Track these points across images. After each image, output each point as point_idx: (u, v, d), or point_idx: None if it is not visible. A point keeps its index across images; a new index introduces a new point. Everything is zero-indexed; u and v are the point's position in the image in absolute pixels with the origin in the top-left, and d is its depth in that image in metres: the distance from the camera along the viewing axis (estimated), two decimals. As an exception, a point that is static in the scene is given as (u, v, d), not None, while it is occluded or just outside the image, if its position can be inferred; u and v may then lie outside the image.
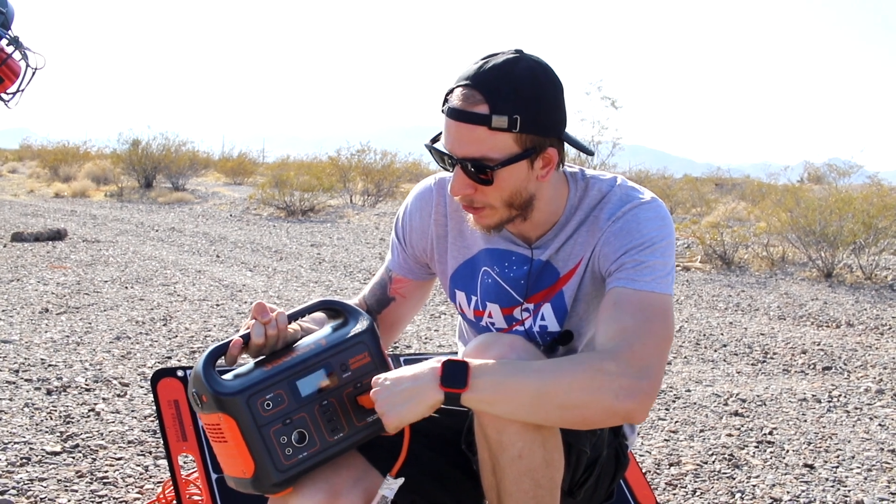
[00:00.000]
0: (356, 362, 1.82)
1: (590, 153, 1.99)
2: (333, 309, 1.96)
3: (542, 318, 1.99)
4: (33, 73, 2.23)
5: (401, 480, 1.79)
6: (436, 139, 1.86)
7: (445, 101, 1.80)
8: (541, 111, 1.77)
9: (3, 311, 6.15)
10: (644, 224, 1.86)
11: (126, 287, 7.47)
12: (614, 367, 1.69)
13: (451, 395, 1.68)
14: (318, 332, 1.91)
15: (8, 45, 2.16)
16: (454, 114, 1.77)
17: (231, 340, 1.83)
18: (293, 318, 1.90)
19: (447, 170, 1.87)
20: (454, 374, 1.69)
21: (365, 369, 1.83)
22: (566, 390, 1.67)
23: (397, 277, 2.17)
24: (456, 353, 2.62)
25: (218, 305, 6.74)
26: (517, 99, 1.74)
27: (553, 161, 1.84)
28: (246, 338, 1.83)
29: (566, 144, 1.86)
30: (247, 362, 1.84)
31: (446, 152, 1.81)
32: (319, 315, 2.00)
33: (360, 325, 1.88)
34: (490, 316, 2.04)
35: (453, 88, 1.78)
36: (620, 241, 1.86)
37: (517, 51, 1.80)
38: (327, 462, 1.78)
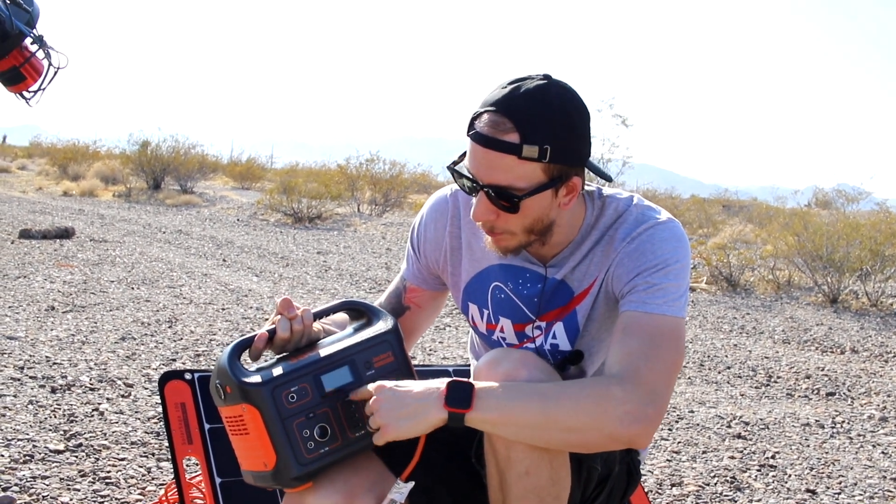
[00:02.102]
0: (380, 361, 1.83)
1: (609, 179, 1.96)
2: (357, 309, 1.98)
3: (554, 337, 1.99)
4: (55, 73, 2.25)
5: (411, 485, 1.79)
6: (457, 161, 1.83)
7: (472, 125, 1.77)
8: (570, 141, 1.74)
9: (10, 307, 6.17)
10: (659, 245, 1.85)
11: (132, 288, 7.48)
12: (620, 392, 1.68)
13: (454, 416, 1.68)
14: (342, 331, 1.92)
15: (32, 43, 2.18)
16: (483, 140, 1.73)
17: (256, 334, 1.84)
18: (317, 316, 1.91)
19: (468, 193, 1.85)
20: (459, 395, 1.68)
21: (388, 368, 1.84)
22: (570, 415, 1.67)
23: (412, 287, 2.17)
24: (467, 366, 2.63)
25: (223, 309, 6.75)
26: (548, 129, 1.71)
27: (577, 190, 1.82)
28: (271, 332, 1.84)
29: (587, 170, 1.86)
30: (270, 358, 1.85)
31: (469, 176, 1.79)
32: (341, 317, 2.01)
33: (385, 325, 1.89)
34: (502, 330, 2.04)
35: (481, 113, 1.75)
36: (634, 262, 1.85)
37: (545, 76, 1.77)
38: (347, 459, 1.78)
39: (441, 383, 1.70)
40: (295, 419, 1.73)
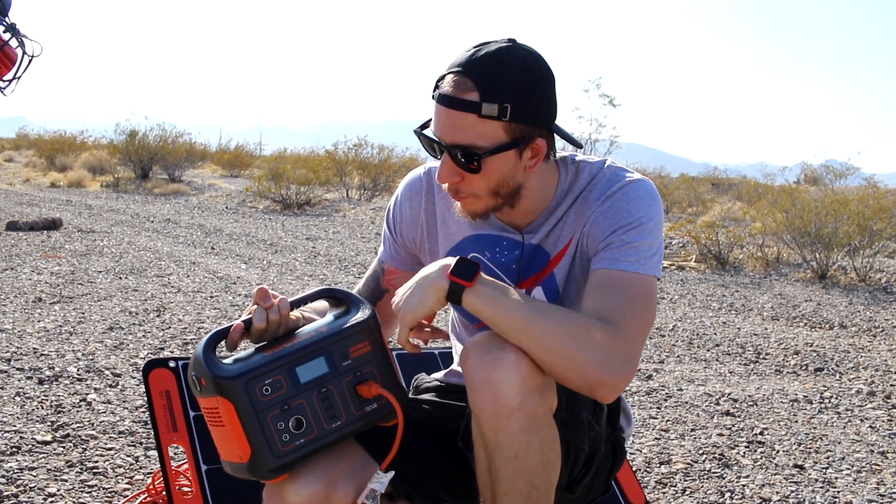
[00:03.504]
0: (356, 351, 1.81)
1: (578, 146, 1.98)
2: (335, 297, 1.96)
3: None
4: (30, 61, 2.23)
5: (391, 474, 1.79)
6: (425, 125, 1.86)
7: (436, 87, 1.80)
8: (532, 101, 1.77)
9: (-3, 299, 6.15)
10: (633, 203, 1.86)
11: (120, 278, 7.46)
12: (601, 335, 1.68)
13: (454, 287, 1.72)
14: (321, 320, 1.90)
15: (4, 31, 2.16)
16: (444, 100, 1.77)
17: (233, 325, 1.83)
18: (295, 305, 1.90)
19: (435, 157, 1.87)
20: (465, 270, 1.73)
21: (365, 358, 1.82)
22: (551, 335, 1.67)
23: (390, 269, 2.17)
24: (450, 349, 2.62)
25: (212, 297, 6.74)
26: (508, 87, 1.74)
27: (541, 152, 1.84)
28: (247, 322, 1.83)
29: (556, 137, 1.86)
30: (248, 348, 1.84)
31: (435, 139, 1.81)
32: (321, 305, 2.00)
33: (362, 314, 1.86)
34: None
35: (444, 75, 1.79)
36: (609, 220, 1.86)
37: (510, 40, 1.80)
38: (324, 450, 1.77)
39: (451, 259, 1.76)
40: (269, 412, 1.72)
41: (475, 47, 1.78)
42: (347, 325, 1.83)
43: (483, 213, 1.91)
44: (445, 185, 1.88)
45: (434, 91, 1.80)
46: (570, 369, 1.68)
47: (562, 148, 1.96)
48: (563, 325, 1.69)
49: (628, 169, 1.95)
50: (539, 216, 1.96)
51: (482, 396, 1.68)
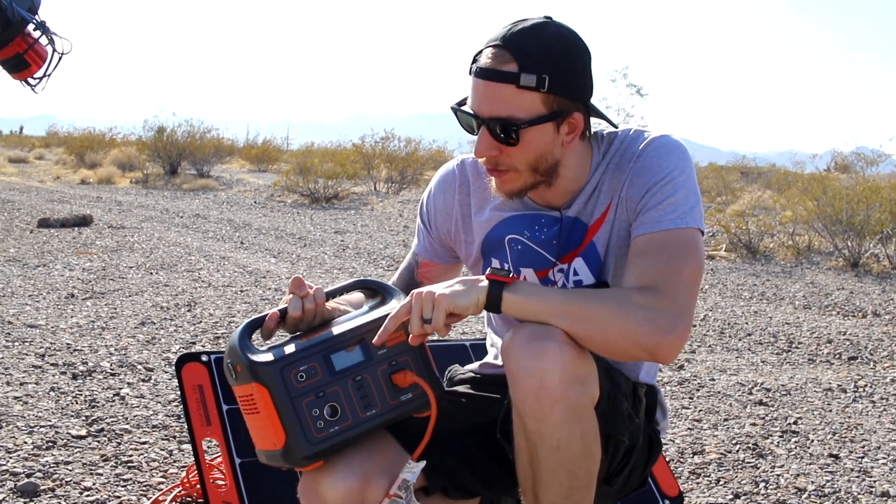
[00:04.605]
0: (392, 340, 1.80)
1: (614, 126, 1.96)
2: (371, 288, 1.96)
3: (576, 273, 1.97)
4: (60, 58, 2.24)
5: (422, 464, 1.78)
6: (462, 103, 1.86)
7: (474, 62, 1.80)
8: (569, 74, 1.77)
9: (30, 296, 6.20)
10: (662, 159, 1.86)
11: (151, 273, 7.51)
12: (640, 298, 1.69)
13: (494, 285, 1.71)
14: (358, 311, 1.91)
15: (35, 29, 2.17)
16: (483, 73, 1.77)
17: (268, 314, 1.83)
18: (331, 295, 1.90)
19: (472, 132, 1.86)
20: (500, 275, 1.73)
21: (400, 348, 1.81)
22: (595, 308, 1.68)
23: (424, 261, 2.17)
24: (484, 340, 2.61)
25: (242, 291, 6.77)
26: (546, 59, 1.74)
27: (579, 127, 1.84)
28: (283, 312, 1.84)
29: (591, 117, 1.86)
30: (284, 337, 1.84)
31: (472, 113, 1.81)
32: (357, 298, 2.00)
33: (398, 303, 1.86)
34: (525, 280, 2.03)
35: (482, 49, 1.79)
36: (642, 180, 1.85)
37: (546, 17, 1.81)
38: (358, 438, 1.77)
39: (481, 276, 1.76)
40: (304, 398, 1.72)
41: (512, 23, 1.79)
42: (384, 314, 1.83)
43: (520, 191, 1.90)
44: (483, 161, 1.87)
45: (471, 66, 1.81)
46: (623, 340, 1.68)
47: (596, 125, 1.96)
48: (605, 300, 1.70)
49: (650, 129, 1.95)
50: (575, 193, 1.95)
51: (525, 386, 1.67)
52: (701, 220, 1.84)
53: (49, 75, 2.26)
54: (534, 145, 1.81)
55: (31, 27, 2.17)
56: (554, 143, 1.83)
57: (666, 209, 1.81)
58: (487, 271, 1.74)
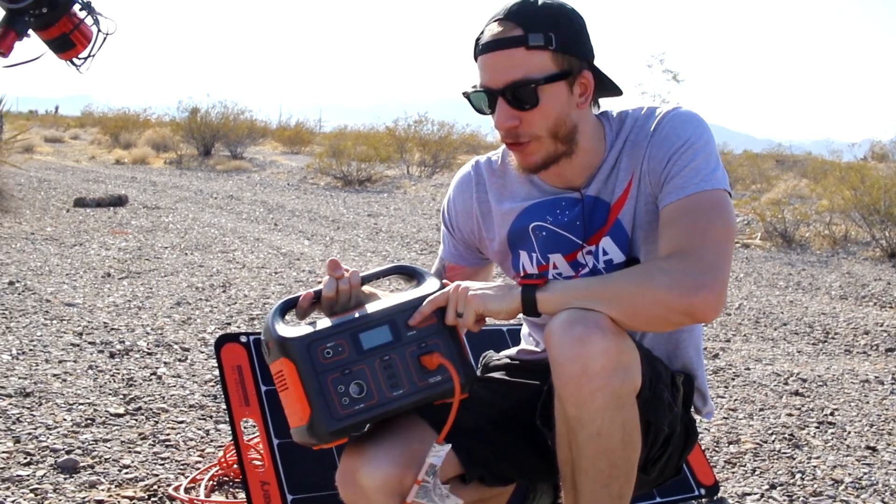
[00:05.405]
0: (423, 322, 1.81)
1: (619, 92, 1.99)
2: (407, 273, 1.98)
3: (605, 253, 1.97)
4: (104, 39, 2.24)
5: (448, 447, 1.78)
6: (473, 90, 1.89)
7: (477, 44, 1.86)
8: (571, 31, 1.83)
9: (67, 275, 6.27)
10: (682, 127, 1.88)
11: (186, 253, 7.57)
12: (665, 264, 1.72)
13: (527, 289, 1.76)
14: (394, 294, 1.92)
15: (81, 10, 2.18)
16: (490, 45, 1.82)
17: (303, 294, 1.85)
18: (367, 280, 1.91)
19: (484, 112, 1.89)
20: (532, 278, 1.79)
21: (430, 330, 1.81)
22: (626, 284, 1.72)
23: (451, 265, 2.20)
24: (520, 325, 2.61)
25: (276, 273, 6.80)
26: (548, 19, 1.80)
27: (590, 87, 1.87)
28: (318, 293, 1.85)
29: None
30: (319, 318, 1.86)
31: (485, 90, 1.84)
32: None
33: (429, 287, 1.87)
34: (555, 267, 2.02)
35: (483, 30, 1.85)
36: (662, 150, 1.87)
37: None
38: (385, 417, 1.77)
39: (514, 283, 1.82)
40: (330, 374, 1.73)
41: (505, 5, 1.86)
42: (415, 296, 1.84)
43: (544, 162, 1.90)
44: (503, 135, 1.88)
45: (476, 48, 1.86)
46: (655, 307, 1.70)
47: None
48: (631, 274, 1.75)
49: (659, 106, 1.98)
50: (593, 172, 1.96)
51: (567, 372, 1.67)
52: (725, 181, 1.85)
53: (94, 56, 2.26)
54: (551, 106, 1.83)
55: (77, 7, 2.17)
56: (570, 105, 1.86)
57: (689, 174, 1.82)
58: (520, 282, 1.78)
